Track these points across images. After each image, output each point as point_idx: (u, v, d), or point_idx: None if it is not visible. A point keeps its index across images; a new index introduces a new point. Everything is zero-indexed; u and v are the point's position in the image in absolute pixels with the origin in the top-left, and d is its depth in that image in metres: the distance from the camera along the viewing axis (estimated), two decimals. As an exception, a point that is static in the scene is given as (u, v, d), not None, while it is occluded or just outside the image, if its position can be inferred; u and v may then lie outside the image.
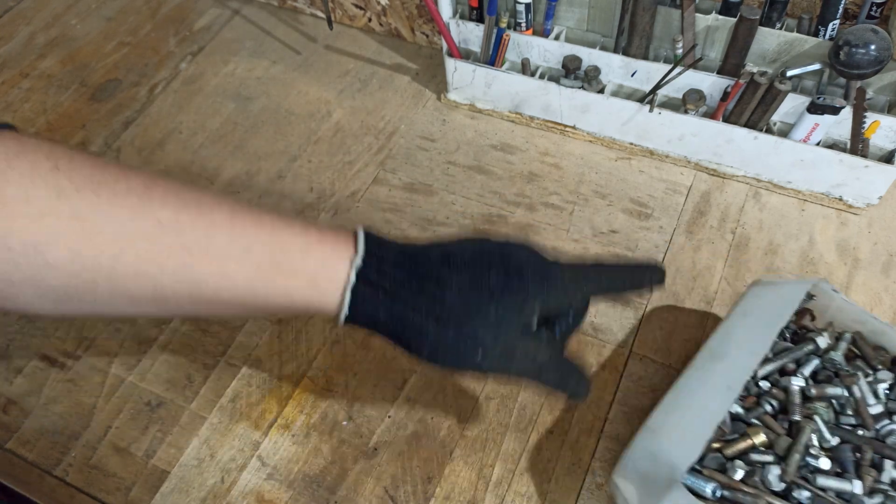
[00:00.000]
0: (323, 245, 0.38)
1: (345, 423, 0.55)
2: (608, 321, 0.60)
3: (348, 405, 0.56)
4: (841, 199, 0.66)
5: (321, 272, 0.37)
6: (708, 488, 0.44)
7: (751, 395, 0.49)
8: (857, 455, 0.46)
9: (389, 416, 0.56)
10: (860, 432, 0.47)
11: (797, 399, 0.48)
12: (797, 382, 0.48)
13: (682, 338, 0.59)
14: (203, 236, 0.35)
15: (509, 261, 0.39)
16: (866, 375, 0.49)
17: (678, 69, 0.64)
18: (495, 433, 0.55)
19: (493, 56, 0.72)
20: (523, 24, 0.70)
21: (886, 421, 0.47)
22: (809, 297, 0.52)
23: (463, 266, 0.38)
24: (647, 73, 0.68)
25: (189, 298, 0.36)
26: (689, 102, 0.66)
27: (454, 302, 0.37)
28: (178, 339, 0.61)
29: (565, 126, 0.73)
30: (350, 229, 0.39)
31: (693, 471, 0.45)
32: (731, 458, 0.46)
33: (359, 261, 0.37)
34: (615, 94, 0.69)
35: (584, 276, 0.41)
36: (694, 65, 0.65)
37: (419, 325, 0.37)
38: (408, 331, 0.38)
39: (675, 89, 0.67)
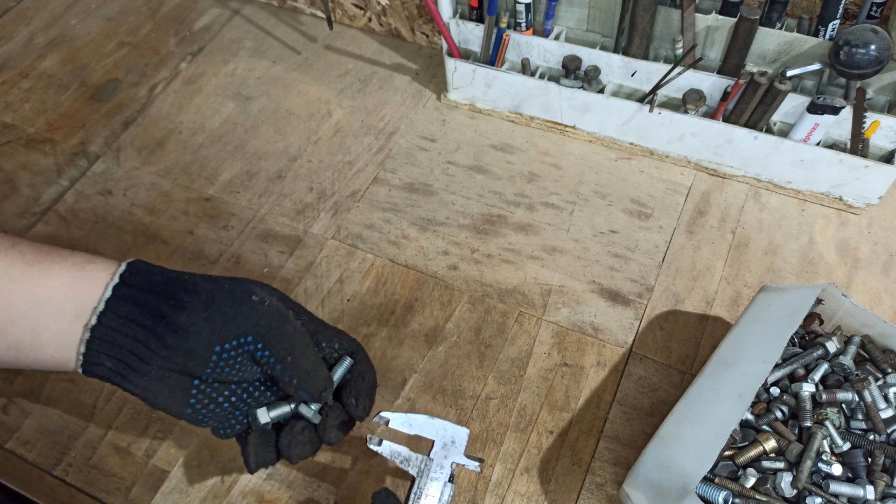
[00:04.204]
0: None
1: (345, 423, 0.55)
2: (608, 321, 0.60)
3: (348, 405, 0.56)
4: (841, 199, 0.66)
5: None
6: (720, 497, 0.44)
7: (761, 402, 0.49)
8: (869, 460, 0.46)
9: (389, 416, 0.56)
10: (871, 437, 0.47)
11: (808, 405, 0.48)
12: (807, 388, 0.48)
13: (681, 338, 0.59)
14: None
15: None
16: (876, 379, 0.49)
17: (678, 69, 0.64)
18: (495, 433, 0.54)
19: (493, 56, 0.72)
20: (523, 24, 0.70)
21: (897, 425, 0.47)
22: (817, 301, 0.52)
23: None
24: (647, 73, 0.68)
25: None
26: (689, 102, 0.66)
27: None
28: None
29: (565, 126, 0.73)
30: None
31: (705, 479, 0.45)
32: (743, 466, 0.46)
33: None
34: (615, 94, 0.70)
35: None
36: (694, 65, 0.65)
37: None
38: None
39: (675, 89, 0.67)
